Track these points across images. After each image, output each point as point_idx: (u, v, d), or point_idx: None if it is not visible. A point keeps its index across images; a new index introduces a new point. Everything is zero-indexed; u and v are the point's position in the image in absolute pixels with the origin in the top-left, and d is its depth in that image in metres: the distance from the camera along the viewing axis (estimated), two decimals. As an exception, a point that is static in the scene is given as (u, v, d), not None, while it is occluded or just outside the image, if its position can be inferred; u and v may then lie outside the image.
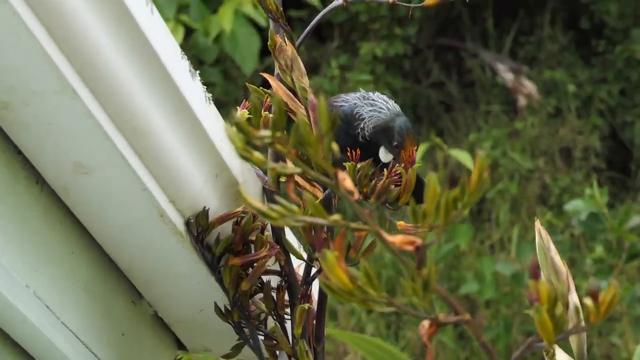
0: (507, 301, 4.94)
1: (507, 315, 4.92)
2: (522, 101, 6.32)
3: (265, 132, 0.76)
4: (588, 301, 0.77)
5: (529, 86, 6.35)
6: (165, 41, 1.06)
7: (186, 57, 1.13)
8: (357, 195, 0.77)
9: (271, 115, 1.19)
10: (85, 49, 0.98)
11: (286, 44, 1.18)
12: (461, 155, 4.90)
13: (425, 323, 0.82)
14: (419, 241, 0.77)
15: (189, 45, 5.45)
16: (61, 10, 0.93)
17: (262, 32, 5.21)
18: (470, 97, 6.69)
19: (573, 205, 4.55)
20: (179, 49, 1.11)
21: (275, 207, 0.77)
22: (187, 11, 5.37)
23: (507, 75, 6.42)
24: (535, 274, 0.81)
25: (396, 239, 0.77)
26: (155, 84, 1.06)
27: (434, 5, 1.23)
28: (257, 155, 0.78)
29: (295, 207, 0.77)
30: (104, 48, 1.01)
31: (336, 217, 0.77)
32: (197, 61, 5.50)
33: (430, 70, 6.76)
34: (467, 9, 7.03)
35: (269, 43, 1.19)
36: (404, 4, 1.21)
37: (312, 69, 5.83)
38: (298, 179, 1.19)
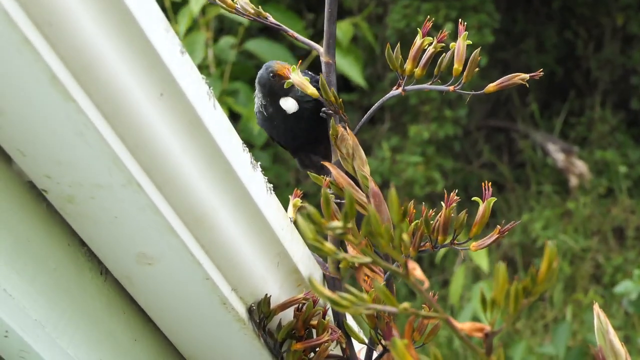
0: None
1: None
2: (573, 181, 6.28)
3: (336, 224, 0.79)
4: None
5: (581, 166, 6.31)
6: (227, 135, 1.09)
7: (247, 149, 1.16)
8: (427, 284, 0.79)
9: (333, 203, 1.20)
10: (149, 143, 1.02)
11: (347, 133, 1.21)
12: (477, 257, 4.91)
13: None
14: (488, 328, 0.79)
15: (238, 128, 5.34)
16: (125, 106, 0.97)
17: None
18: (521, 178, 6.66)
19: (623, 286, 4.47)
20: (240, 142, 1.14)
21: (346, 295, 0.80)
22: (236, 96, 5.42)
23: (558, 156, 6.39)
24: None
25: (465, 326, 0.80)
26: (219, 177, 1.08)
27: (494, 91, 1.26)
28: (329, 245, 0.81)
29: (365, 296, 0.80)
30: (167, 142, 1.04)
31: (406, 305, 0.79)
32: (247, 144, 5.46)
33: (481, 152, 6.75)
34: (517, 90, 7.00)
35: (330, 132, 1.21)
36: (463, 91, 1.23)
37: (364, 151, 5.91)
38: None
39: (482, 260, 4.91)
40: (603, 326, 1.05)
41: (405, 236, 0.81)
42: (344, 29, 5.34)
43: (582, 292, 5.65)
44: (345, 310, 0.82)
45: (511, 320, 0.79)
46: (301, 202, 1.31)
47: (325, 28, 1.29)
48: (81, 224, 1.08)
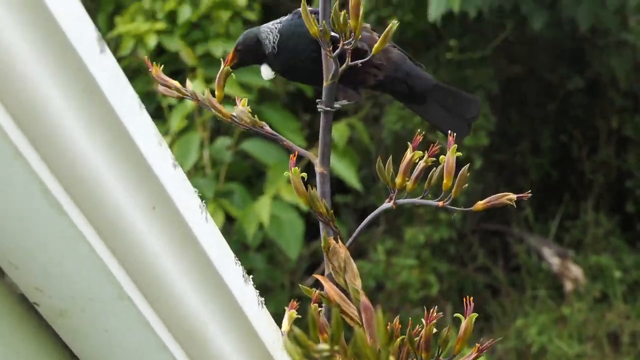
0: None
1: None
2: (568, 286, 6.31)
3: (323, 346, 0.82)
4: None
5: (575, 271, 6.34)
6: (219, 248, 1.11)
7: (239, 262, 1.16)
8: None
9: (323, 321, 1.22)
10: (141, 256, 1.03)
11: (339, 245, 1.21)
12: None
13: None
14: None
15: (233, 230, 5.54)
16: (117, 219, 0.99)
17: (305, 216, 5.26)
18: (516, 282, 6.69)
19: None
20: (232, 255, 1.15)
21: None
22: (231, 197, 5.52)
23: (553, 260, 6.43)
24: None
25: None
26: (210, 290, 1.10)
27: (482, 210, 1.30)
28: None
29: None
30: (159, 255, 1.05)
31: None
32: (242, 246, 5.60)
33: (476, 255, 6.75)
34: (512, 193, 6.98)
35: (322, 245, 1.21)
36: (452, 207, 1.27)
37: (359, 254, 5.95)
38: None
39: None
40: None
41: (391, 358, 0.86)
42: (340, 131, 5.45)
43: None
44: None
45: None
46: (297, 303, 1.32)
47: (320, 138, 1.32)
48: (72, 338, 1.09)
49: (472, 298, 1.29)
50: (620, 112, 7.13)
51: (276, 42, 1.50)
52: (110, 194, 0.99)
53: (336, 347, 0.84)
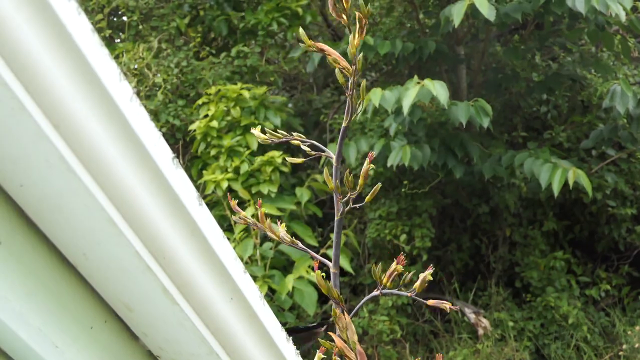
0: None
1: None
2: (480, 331, 7.10)
3: None
4: None
5: (485, 322, 7.16)
6: (278, 328, 1.31)
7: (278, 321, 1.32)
8: None
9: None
10: (230, 335, 1.23)
11: (344, 316, 1.36)
12: None
13: None
14: None
15: (274, 298, 6.04)
16: (207, 304, 1.18)
17: (318, 290, 5.77)
18: (449, 329, 7.45)
19: None
20: (284, 334, 1.33)
21: None
22: (273, 278, 6.20)
23: (471, 316, 7.28)
24: None
25: None
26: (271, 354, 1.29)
27: (420, 290, 1.45)
28: None
29: None
30: (240, 336, 1.25)
31: None
32: (280, 308, 6.13)
33: (424, 312, 7.52)
34: (445, 276, 7.96)
35: (332, 314, 1.37)
36: (417, 298, 1.44)
37: (351, 312, 6.40)
38: None
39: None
40: None
41: None
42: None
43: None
44: None
45: None
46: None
47: (333, 251, 1.48)
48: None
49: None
50: (510, 226, 8.17)
51: None
52: (202, 288, 1.18)
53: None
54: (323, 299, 6.72)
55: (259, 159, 6.74)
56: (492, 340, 7.14)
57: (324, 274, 1.45)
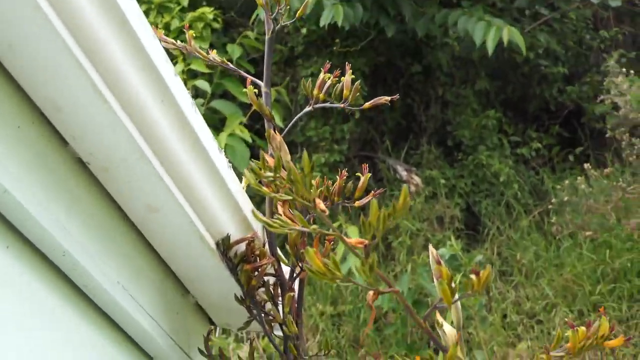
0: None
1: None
2: (412, 188, 7.12)
3: (269, 173, 0.91)
4: (473, 276, 0.94)
5: (417, 179, 7.22)
6: (205, 131, 1.27)
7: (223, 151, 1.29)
8: (327, 213, 0.92)
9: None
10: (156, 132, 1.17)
11: (276, 134, 1.32)
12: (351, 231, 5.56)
13: (370, 292, 0.96)
14: (366, 241, 0.91)
15: None
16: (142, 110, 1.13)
17: (250, 146, 5.85)
18: (380, 186, 7.22)
19: (441, 251, 5.10)
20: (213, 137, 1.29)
21: (276, 220, 0.95)
22: None
23: (403, 173, 7.32)
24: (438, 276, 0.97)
25: (352, 241, 0.93)
26: (199, 158, 1.26)
27: (369, 108, 1.42)
28: (265, 189, 0.96)
29: (289, 221, 0.94)
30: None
31: (315, 226, 0.94)
32: None
33: (356, 170, 4.74)
34: (378, 134, 8.00)
35: (266, 134, 1.34)
36: (350, 107, 1.39)
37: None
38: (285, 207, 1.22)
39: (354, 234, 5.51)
40: (434, 256, 1.12)
41: (313, 181, 0.92)
42: (272, 92, 6.36)
43: (417, 256, 6.37)
44: (275, 230, 0.96)
45: (380, 235, 0.89)
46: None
47: (265, 71, 1.46)
48: (110, 185, 1.22)
49: (367, 165, 1.43)
50: (443, 85, 8.20)
51: None
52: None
53: (277, 174, 0.92)
54: (254, 156, 5.27)
55: (190, 15, 6.65)
56: (423, 197, 7.21)
57: (256, 90, 1.43)
